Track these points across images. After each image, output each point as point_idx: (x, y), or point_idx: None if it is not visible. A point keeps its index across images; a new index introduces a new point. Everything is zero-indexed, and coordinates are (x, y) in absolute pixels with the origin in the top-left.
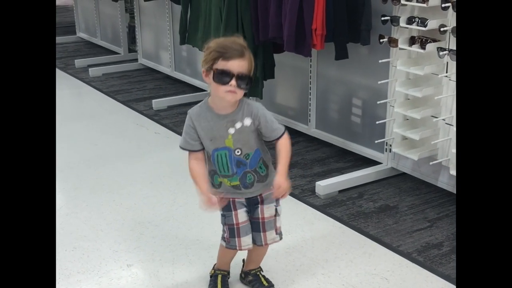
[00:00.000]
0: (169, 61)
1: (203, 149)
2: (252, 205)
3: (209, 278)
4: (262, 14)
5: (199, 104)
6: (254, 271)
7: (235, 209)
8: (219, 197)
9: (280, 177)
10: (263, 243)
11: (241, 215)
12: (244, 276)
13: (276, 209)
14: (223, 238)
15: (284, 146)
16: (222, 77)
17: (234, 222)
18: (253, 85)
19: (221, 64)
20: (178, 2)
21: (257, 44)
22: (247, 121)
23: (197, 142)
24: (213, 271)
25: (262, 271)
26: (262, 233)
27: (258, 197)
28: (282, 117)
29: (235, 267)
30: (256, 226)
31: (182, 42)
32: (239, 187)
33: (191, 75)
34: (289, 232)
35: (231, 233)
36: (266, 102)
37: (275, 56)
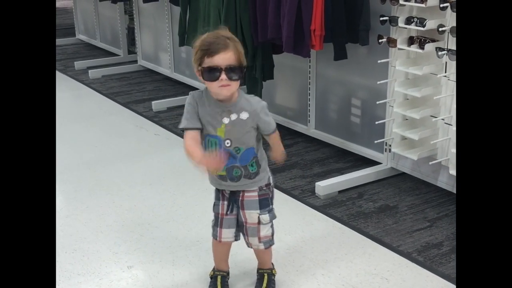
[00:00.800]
0: (169, 63)
1: (201, 129)
2: (233, 202)
3: (209, 280)
4: (260, 15)
5: (200, 90)
6: (262, 270)
7: (223, 200)
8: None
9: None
10: (248, 246)
11: (227, 208)
12: (257, 272)
13: (259, 217)
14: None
15: (279, 139)
16: (211, 73)
17: (220, 212)
18: (252, 85)
19: (207, 62)
20: (177, 4)
21: (256, 45)
22: (244, 115)
23: (198, 121)
24: (212, 272)
25: (273, 275)
26: (245, 236)
27: (240, 197)
28: (281, 118)
29: (235, 268)
30: (242, 227)
31: (181, 43)
32: (225, 178)
33: (190, 76)
34: (289, 233)
35: (215, 221)
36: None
37: (274, 57)
